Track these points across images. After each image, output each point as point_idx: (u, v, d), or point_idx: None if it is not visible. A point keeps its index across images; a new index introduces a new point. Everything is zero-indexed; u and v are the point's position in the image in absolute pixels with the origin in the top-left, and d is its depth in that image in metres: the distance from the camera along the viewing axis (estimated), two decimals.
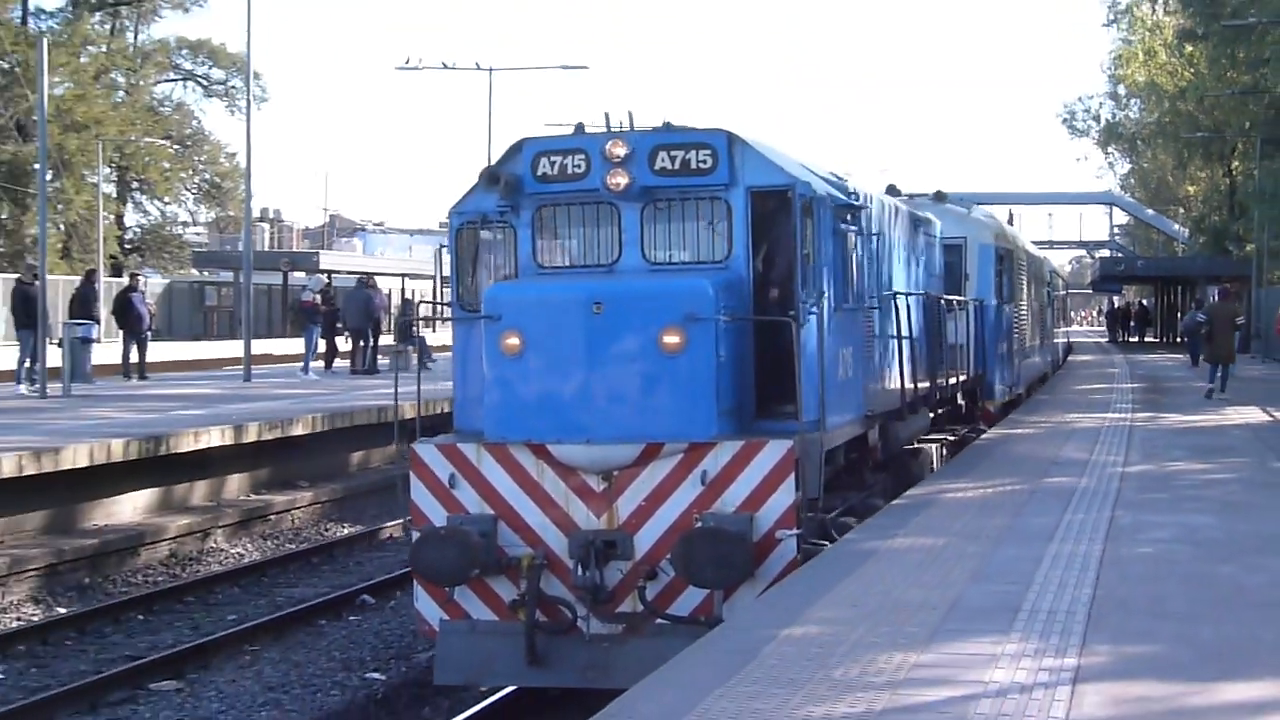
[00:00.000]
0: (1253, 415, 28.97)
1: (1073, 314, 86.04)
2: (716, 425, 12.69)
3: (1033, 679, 8.47)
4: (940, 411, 23.39)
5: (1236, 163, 65.81)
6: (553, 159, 13.60)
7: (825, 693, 8.17)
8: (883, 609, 10.54)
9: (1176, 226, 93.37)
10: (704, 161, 13.15)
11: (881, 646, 9.28)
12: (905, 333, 18.42)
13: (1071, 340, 72.67)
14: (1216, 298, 50.75)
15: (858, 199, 15.40)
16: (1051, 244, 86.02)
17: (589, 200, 13.84)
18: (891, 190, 23.72)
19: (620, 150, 13.26)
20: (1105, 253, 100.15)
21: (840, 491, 15.46)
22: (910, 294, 19.50)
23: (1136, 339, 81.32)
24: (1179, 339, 58.79)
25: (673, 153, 13.29)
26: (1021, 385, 32.46)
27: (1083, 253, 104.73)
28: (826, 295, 13.48)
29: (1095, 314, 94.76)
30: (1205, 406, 32.27)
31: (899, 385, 18.07)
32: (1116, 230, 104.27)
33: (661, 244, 13.87)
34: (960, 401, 25.61)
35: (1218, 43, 51.77)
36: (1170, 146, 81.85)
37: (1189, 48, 62.31)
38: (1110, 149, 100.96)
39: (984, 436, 25.79)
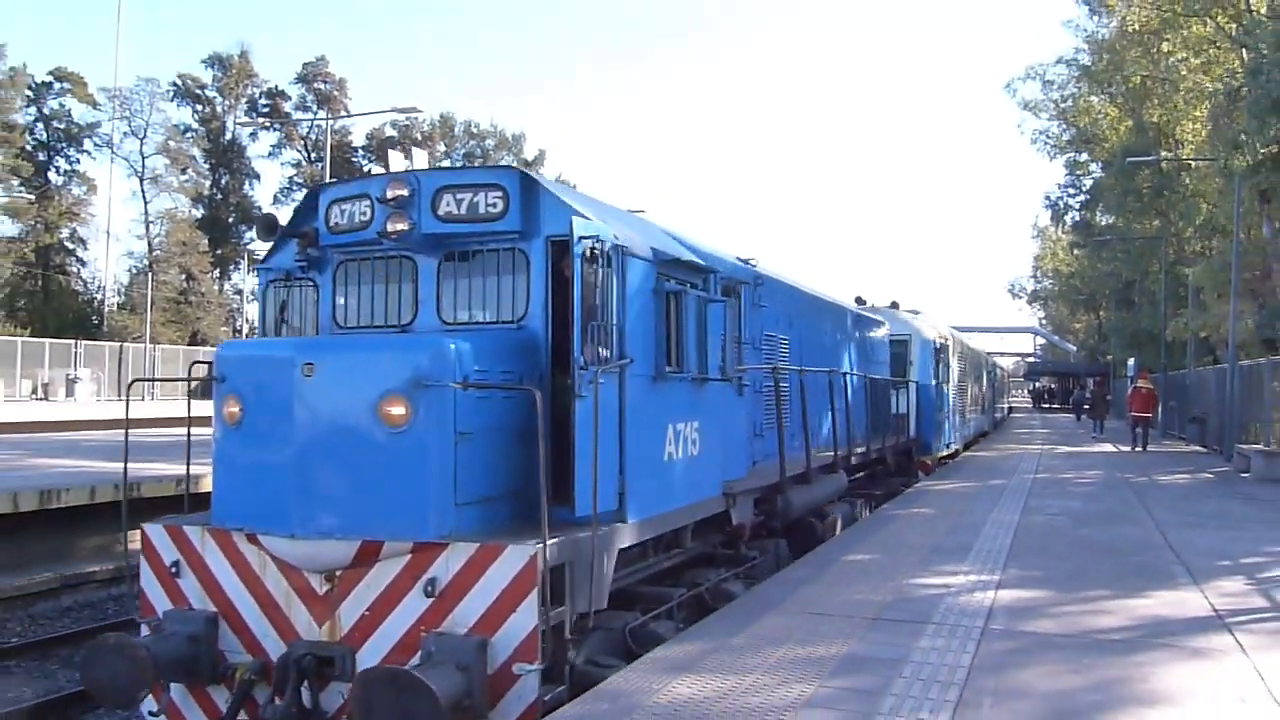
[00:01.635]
0: (1109, 448, 27.85)
1: (1013, 393, 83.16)
2: (452, 520, 6.06)
3: (975, 585, 8.45)
4: (881, 467, 16.84)
5: (1102, 312, 63.43)
6: (343, 207, 7.29)
7: (865, 589, 8.24)
8: (898, 547, 10.46)
9: (1071, 346, 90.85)
10: (494, 205, 6.88)
11: (896, 567, 9.26)
12: (815, 406, 11.72)
13: (1012, 407, 70.62)
14: (1094, 385, 48.99)
15: (711, 264, 8.60)
16: (1001, 354, 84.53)
17: (390, 254, 7.36)
18: (859, 300, 18.82)
19: (398, 192, 7.00)
20: (1031, 359, 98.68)
21: (697, 571, 8.71)
22: (823, 372, 12.42)
23: (1047, 407, 78.10)
24: (1070, 407, 56.74)
25: (459, 195, 6.98)
26: (959, 442, 25.10)
27: (1019, 358, 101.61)
28: (630, 361, 6.82)
29: (1025, 393, 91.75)
30: (1083, 441, 31.00)
31: (794, 455, 10.68)
32: (1038, 347, 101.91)
33: (462, 302, 7.25)
34: (893, 461, 17.89)
35: (1090, 249, 50.29)
36: (1065, 303, 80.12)
37: (1076, 251, 60.35)
38: (1034, 304, 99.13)
39: (962, 456, 24.44)
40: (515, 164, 61.53)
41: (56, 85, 63.55)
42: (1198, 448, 27.36)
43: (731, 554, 9.35)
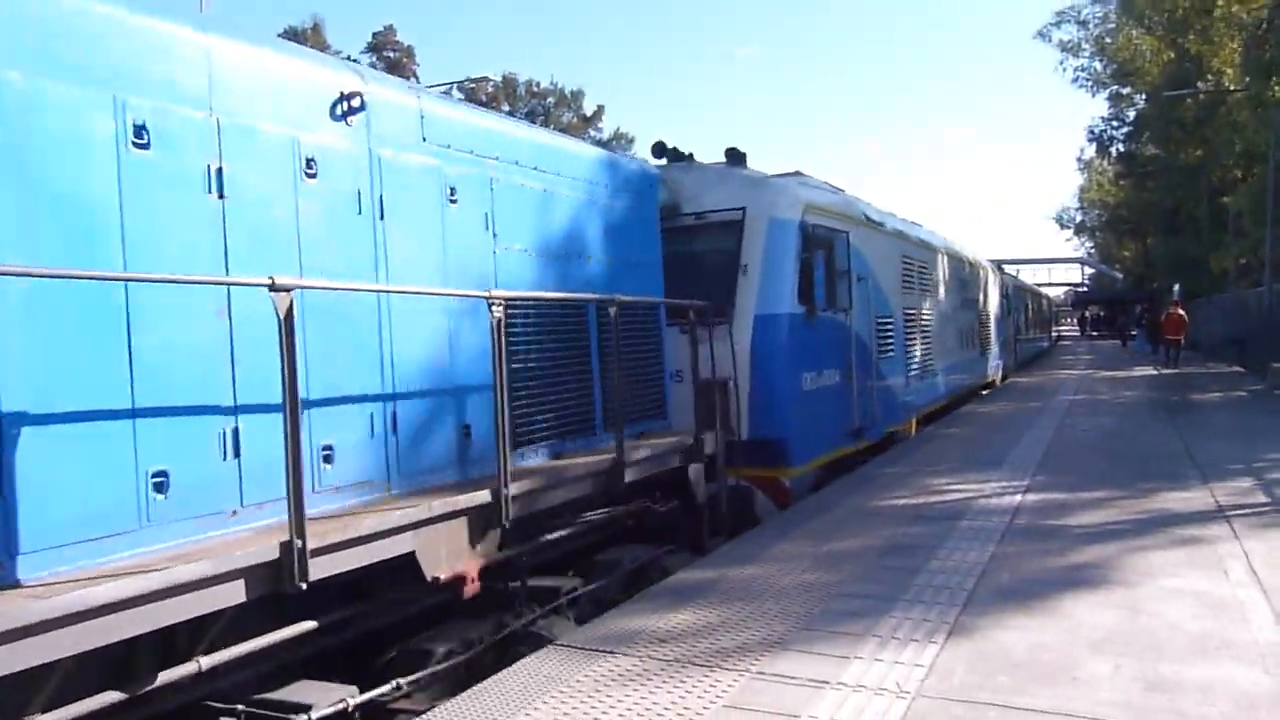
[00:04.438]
0: (1150, 370, 27.99)
1: (1063, 321, 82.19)
2: None
3: (1005, 489, 9.10)
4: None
5: (1149, 239, 62.31)
6: None
7: (904, 493, 9.01)
8: (934, 460, 11.10)
9: (1118, 275, 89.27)
10: None
11: (930, 475, 10.00)
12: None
13: (1061, 335, 70.19)
14: (1141, 311, 48.76)
15: None
16: (1050, 284, 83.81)
17: None
18: (659, 148, 10.51)
19: None
20: (1081, 289, 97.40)
21: None
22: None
23: (1095, 334, 77.08)
24: (1118, 334, 56.18)
25: None
26: (902, 419, 13.28)
27: (1069, 288, 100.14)
28: None
29: (1074, 321, 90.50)
30: (1125, 365, 31.06)
31: None
32: (1086, 277, 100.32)
33: None
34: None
35: (1136, 178, 49.54)
36: (1112, 233, 78.58)
37: (1121, 181, 59.29)
38: (1082, 234, 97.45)
39: (1009, 381, 24.13)
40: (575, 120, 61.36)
41: None
42: (1237, 368, 27.37)
43: None
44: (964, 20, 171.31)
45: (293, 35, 72.29)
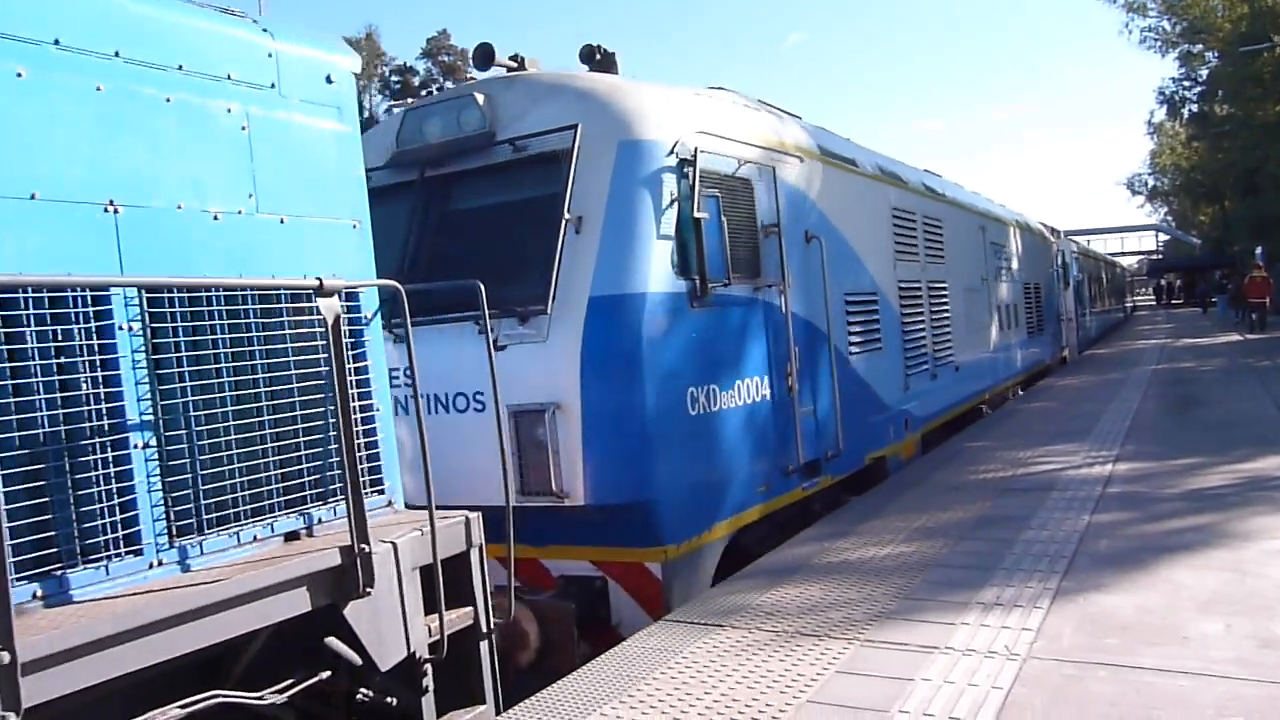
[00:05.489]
0: (1234, 336, 27.23)
1: (1138, 290, 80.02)
2: None
3: (1093, 461, 9.04)
4: None
5: (1227, 202, 60.49)
6: None
7: (990, 468, 9.00)
8: (1018, 434, 11.05)
9: (1195, 240, 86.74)
10: None
11: (1014, 449, 9.95)
12: None
13: (1136, 305, 68.55)
14: (1220, 277, 47.38)
15: None
16: (1123, 253, 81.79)
17: None
18: (484, 55, 6.56)
19: None
20: (1157, 256, 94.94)
21: None
22: None
23: (1173, 303, 74.96)
24: (1197, 301, 54.62)
25: None
26: (895, 439, 9.31)
27: (1143, 256, 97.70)
28: None
29: (1150, 290, 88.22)
30: (1207, 333, 30.22)
31: None
32: (1161, 244, 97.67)
33: None
34: None
35: (1210, 140, 48.11)
36: (1187, 197, 76.31)
37: (1195, 143, 57.62)
38: (1155, 200, 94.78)
39: (1086, 354, 24.05)
40: None
41: None
42: None
43: None
44: None
45: (350, 45, 73.44)
